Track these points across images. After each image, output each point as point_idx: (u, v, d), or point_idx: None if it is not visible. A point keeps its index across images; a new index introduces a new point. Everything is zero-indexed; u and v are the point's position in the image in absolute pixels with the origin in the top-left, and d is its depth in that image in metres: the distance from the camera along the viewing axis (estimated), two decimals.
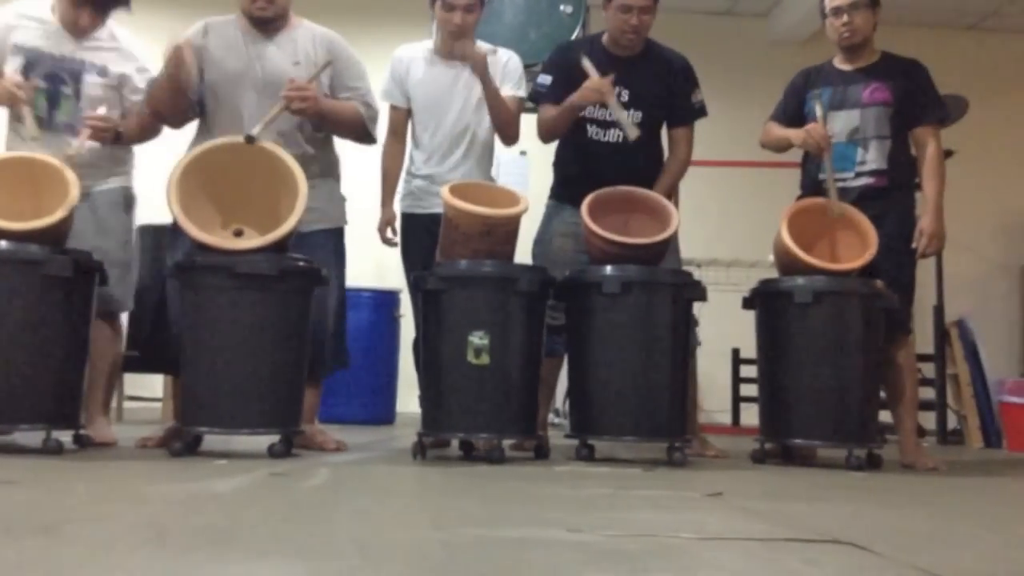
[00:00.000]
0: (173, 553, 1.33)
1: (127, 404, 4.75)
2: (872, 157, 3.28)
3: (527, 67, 4.68)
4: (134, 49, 3.26)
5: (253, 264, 2.73)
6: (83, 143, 3.01)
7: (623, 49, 3.41)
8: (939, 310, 4.74)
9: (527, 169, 6.16)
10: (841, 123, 3.31)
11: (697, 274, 5.57)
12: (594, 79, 3.19)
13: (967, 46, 6.90)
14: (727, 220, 6.19)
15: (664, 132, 3.56)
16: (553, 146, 3.57)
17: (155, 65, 3.13)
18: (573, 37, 4.84)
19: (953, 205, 6.44)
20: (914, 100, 3.29)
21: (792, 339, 3.10)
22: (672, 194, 3.64)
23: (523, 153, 5.95)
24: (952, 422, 4.80)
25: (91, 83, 3.17)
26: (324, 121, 3.12)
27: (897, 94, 3.28)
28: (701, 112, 3.54)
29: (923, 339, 5.18)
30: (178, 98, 3.04)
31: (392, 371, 5.14)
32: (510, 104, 3.40)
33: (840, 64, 3.41)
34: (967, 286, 6.69)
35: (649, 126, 3.43)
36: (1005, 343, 6.67)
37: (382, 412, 5.09)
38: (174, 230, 2.92)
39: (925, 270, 5.21)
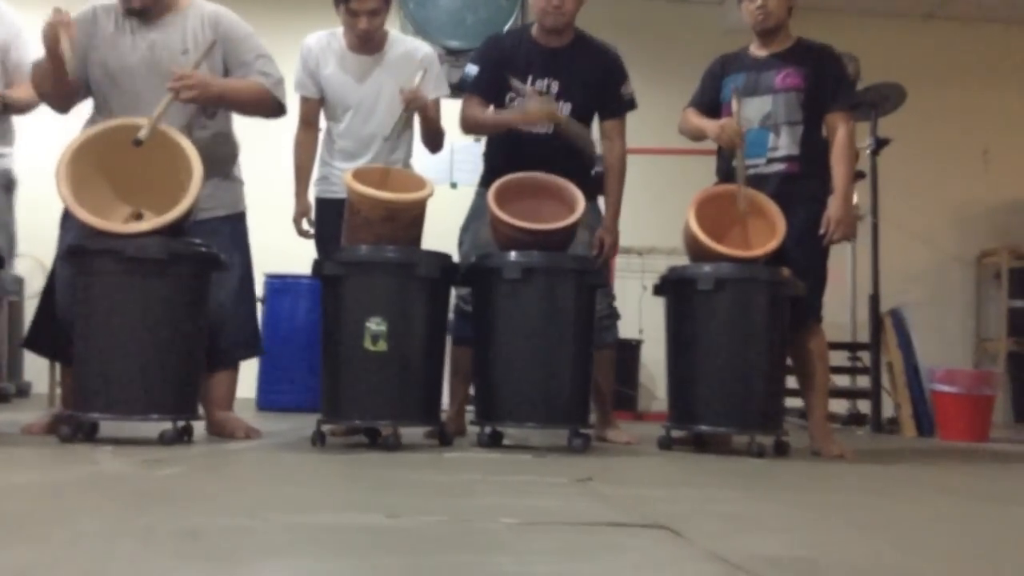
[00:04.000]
0: None
1: (60, 390, 4.71)
2: (784, 143, 3.25)
3: (464, 52, 4.67)
4: (7, 12, 3.16)
5: (142, 248, 2.70)
6: None
7: (551, 38, 3.38)
8: (875, 299, 4.72)
9: (480, 157, 6.13)
10: (754, 109, 3.28)
11: (639, 263, 5.62)
12: (532, 108, 3.18)
13: (926, 34, 6.89)
14: (675, 208, 6.16)
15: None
16: None
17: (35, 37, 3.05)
18: (511, 22, 4.81)
19: (908, 195, 6.55)
20: (825, 86, 3.26)
21: (696, 326, 3.08)
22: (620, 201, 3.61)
23: (477, 140, 5.93)
24: (891, 410, 4.79)
25: None
26: (223, 103, 3.06)
27: (809, 80, 3.25)
28: (631, 105, 3.53)
29: (862, 328, 5.19)
30: (59, 80, 2.92)
31: None
32: (435, 108, 3.36)
33: (755, 50, 3.38)
34: (922, 276, 6.69)
35: (579, 118, 3.41)
36: (960, 332, 6.67)
37: None
38: (65, 213, 2.88)
39: (863, 259, 5.21)
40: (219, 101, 3.03)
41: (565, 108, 3.36)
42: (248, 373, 5.11)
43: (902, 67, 6.23)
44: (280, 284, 5.11)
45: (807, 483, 2.41)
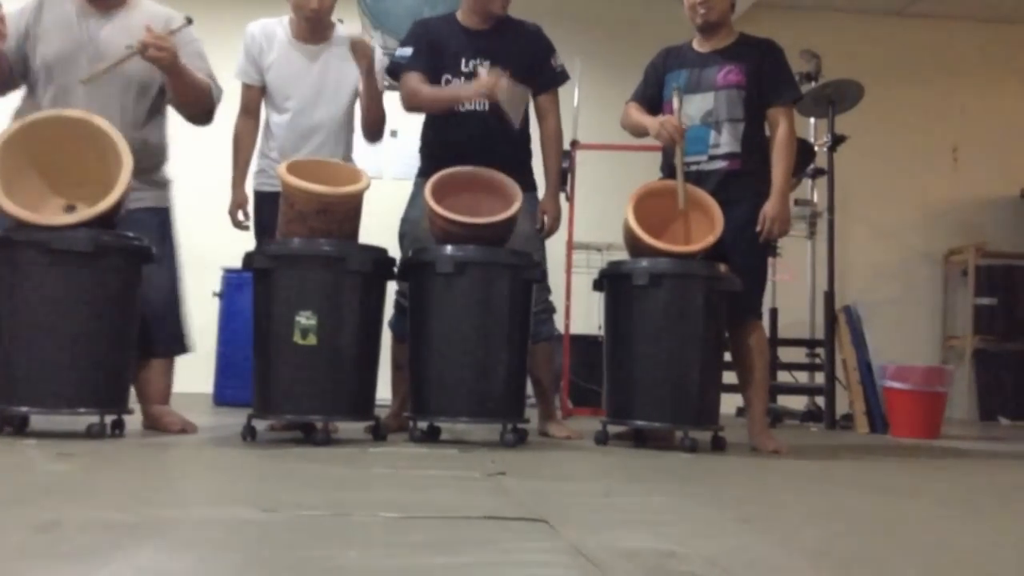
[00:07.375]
0: None
1: None
2: (725, 140, 3.25)
3: None
4: None
5: (67, 240, 2.68)
6: None
7: (479, 22, 3.39)
8: (830, 296, 4.72)
9: None
10: (696, 106, 3.28)
11: (598, 258, 5.60)
12: (490, 80, 3.15)
13: (896, 31, 6.89)
14: None
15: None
16: None
17: None
18: None
19: (877, 192, 6.56)
20: (767, 81, 3.25)
21: (632, 321, 3.08)
22: (559, 175, 3.61)
23: None
24: (847, 407, 4.79)
25: None
26: (176, 80, 2.99)
27: (750, 76, 3.25)
28: (564, 76, 3.53)
29: (819, 325, 5.19)
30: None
31: None
32: (379, 97, 3.34)
33: (698, 46, 3.38)
34: (889, 273, 6.71)
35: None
36: (927, 329, 6.68)
37: None
38: None
39: (820, 256, 5.21)
40: (177, 76, 2.98)
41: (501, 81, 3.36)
42: (206, 368, 5.12)
43: (872, 64, 6.25)
44: (237, 279, 5.09)
45: (721, 478, 2.40)
